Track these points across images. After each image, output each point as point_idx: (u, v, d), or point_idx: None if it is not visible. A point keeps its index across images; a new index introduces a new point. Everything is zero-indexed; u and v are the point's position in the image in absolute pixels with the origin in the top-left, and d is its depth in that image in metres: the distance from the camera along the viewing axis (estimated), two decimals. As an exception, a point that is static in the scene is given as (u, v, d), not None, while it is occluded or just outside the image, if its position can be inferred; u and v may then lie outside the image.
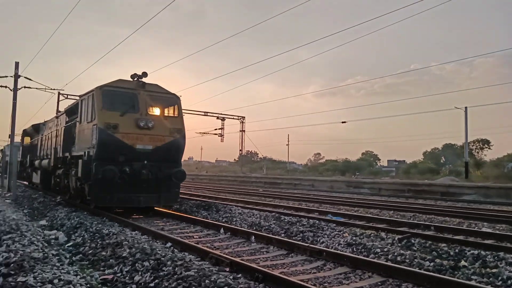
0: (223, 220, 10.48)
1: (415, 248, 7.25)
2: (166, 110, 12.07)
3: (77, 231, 8.66)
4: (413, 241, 7.64)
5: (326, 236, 7.95)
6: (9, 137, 21.46)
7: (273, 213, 11.05)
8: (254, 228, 9.30)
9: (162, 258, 5.57)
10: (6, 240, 7.03)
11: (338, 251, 6.72)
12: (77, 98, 13.73)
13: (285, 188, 32.36)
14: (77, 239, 7.89)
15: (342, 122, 36.22)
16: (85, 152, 11.17)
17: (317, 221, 9.63)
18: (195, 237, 8.43)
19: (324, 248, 6.76)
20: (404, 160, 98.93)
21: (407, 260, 6.14)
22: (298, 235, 8.27)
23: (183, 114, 12.40)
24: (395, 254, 6.44)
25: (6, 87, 20.97)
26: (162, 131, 11.38)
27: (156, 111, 11.72)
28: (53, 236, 8.33)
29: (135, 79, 11.74)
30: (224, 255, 5.93)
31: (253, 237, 7.93)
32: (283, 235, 8.49)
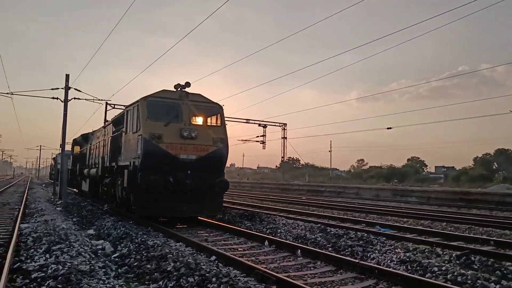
0: (267, 232, 10.25)
1: (476, 267, 6.70)
2: (209, 120, 12.06)
3: (123, 241, 8.72)
4: (473, 258, 7.07)
5: (376, 251, 7.53)
6: (60, 146, 22.32)
7: (319, 224, 10.69)
8: (300, 240, 8.99)
9: (207, 274, 5.41)
10: (56, 250, 7.15)
11: (391, 269, 6.30)
12: (123, 108, 14.05)
13: (329, 196, 31.72)
14: (123, 250, 7.92)
15: (388, 128, 34.66)
16: (130, 162, 11.33)
17: (366, 234, 9.19)
18: (239, 249, 8.26)
19: (376, 265, 6.36)
20: (453, 167, 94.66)
21: (469, 281, 5.64)
22: (347, 250, 7.88)
23: (226, 122, 12.34)
24: (455, 273, 5.94)
25: (57, 98, 21.91)
26: (206, 140, 11.36)
27: (199, 120, 11.74)
28: (100, 247, 8.42)
29: (179, 89, 11.82)
30: (271, 272, 5.69)
31: (299, 251, 7.65)
32: (330, 249, 8.14)
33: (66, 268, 5.74)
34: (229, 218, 12.77)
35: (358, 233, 9.39)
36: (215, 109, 12.15)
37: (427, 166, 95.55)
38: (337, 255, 7.18)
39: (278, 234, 9.86)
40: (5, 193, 27.01)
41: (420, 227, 11.77)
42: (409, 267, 6.47)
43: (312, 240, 8.85)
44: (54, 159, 38.30)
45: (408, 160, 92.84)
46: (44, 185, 41.45)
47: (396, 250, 7.37)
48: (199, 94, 12.13)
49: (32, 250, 7.39)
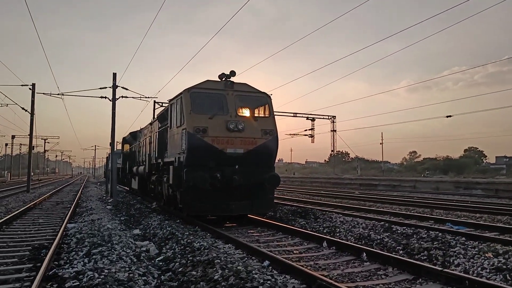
0: (324, 231, 9.26)
1: None
2: (256, 111, 11.23)
3: (168, 242, 8.09)
4: None
5: (461, 255, 6.33)
6: (109, 145, 22.43)
7: (382, 222, 9.55)
8: (363, 241, 7.94)
9: (260, 287, 4.56)
10: (96, 254, 6.61)
11: (485, 279, 5.14)
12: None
13: (383, 190, 30.02)
14: (168, 253, 7.26)
15: (447, 117, 32.13)
16: (175, 158, 10.75)
17: (440, 234, 7.97)
18: (294, 252, 7.36)
19: (465, 275, 5.22)
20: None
21: None
22: (422, 253, 6.75)
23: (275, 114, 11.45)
24: None
25: (105, 97, 22.01)
26: (253, 133, 10.54)
27: (246, 112, 10.93)
28: (144, 248, 7.83)
29: (223, 79, 11.08)
30: (337, 285, 4.72)
31: (364, 254, 6.62)
32: (401, 252, 7.04)
33: (103, 276, 5.11)
34: (281, 216, 11.90)
35: (431, 232, 8.18)
36: (262, 99, 11.29)
37: (486, 156, 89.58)
38: (412, 260, 6.07)
39: (337, 234, 8.84)
40: (61, 192, 27.78)
41: (500, 224, 10.29)
42: (508, 277, 5.26)
43: (378, 241, 7.76)
44: (106, 158, 39.20)
45: (465, 150, 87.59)
46: (98, 183, 42.65)
47: (486, 255, 6.13)
48: (245, 84, 11.32)
49: (73, 253, 6.91)
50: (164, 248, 7.69)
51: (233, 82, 10.92)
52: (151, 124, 17.34)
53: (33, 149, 30.14)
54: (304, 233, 8.65)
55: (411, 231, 8.45)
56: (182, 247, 7.35)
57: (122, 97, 22.41)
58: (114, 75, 21.45)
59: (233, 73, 11.01)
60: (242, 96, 10.96)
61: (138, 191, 19.93)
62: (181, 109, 10.60)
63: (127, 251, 6.94)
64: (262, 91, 11.40)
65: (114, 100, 21.15)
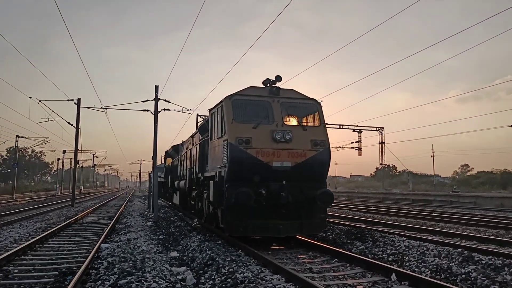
0: (390, 259, 7.84)
1: None
2: (305, 119, 10.07)
3: (208, 270, 7.04)
4: None
5: None
6: (152, 159, 21.96)
7: (459, 249, 7.98)
8: (443, 275, 6.48)
9: None
10: (123, 286, 5.65)
11: None
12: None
13: (440, 207, 27.67)
14: (206, 284, 6.20)
15: (511, 126, 29.08)
16: (216, 173, 9.76)
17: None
18: (358, 287, 6.06)
19: None
20: None
21: None
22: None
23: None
24: None
25: (147, 110, 21.64)
26: (303, 144, 9.38)
27: (294, 120, 9.81)
28: (180, 277, 6.81)
29: (268, 85, 10.04)
30: None
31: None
32: (498, 292, 5.57)
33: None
34: (333, 237, 10.58)
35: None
36: (312, 106, 10.13)
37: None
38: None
39: (407, 264, 7.40)
40: (105, 206, 27.70)
41: None
42: None
43: (463, 276, 6.28)
44: (149, 173, 39.24)
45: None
46: (143, 197, 42.77)
47: None
48: (292, 90, 10.22)
49: (99, 282, 5.99)
50: (202, 277, 6.64)
51: (278, 88, 9.86)
52: (192, 136, 16.59)
53: (78, 163, 30.43)
54: (366, 262, 7.30)
55: (500, 261, 6.91)
56: (223, 277, 6.25)
57: (164, 109, 22.02)
58: (156, 87, 21.02)
59: (278, 78, 9.97)
60: (289, 103, 9.86)
61: (179, 206, 19.19)
62: (222, 118, 9.64)
63: (159, 282, 5.93)
64: (311, 97, 10.25)
65: (156, 113, 20.66)
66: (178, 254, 8.88)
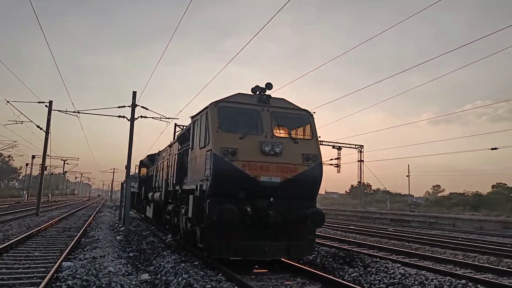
0: (388, 290, 7.04)
1: None
2: (295, 131, 9.29)
3: (184, 298, 6.08)
4: None
5: None
6: (125, 168, 20.73)
7: (463, 280, 7.26)
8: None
9: None
10: (82, 321, 4.66)
11: None
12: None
13: (420, 228, 27.28)
14: (183, 318, 5.24)
15: (492, 149, 28.88)
16: (197, 186, 8.83)
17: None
18: (359, 325, 5.22)
19: None
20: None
21: None
22: None
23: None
24: None
25: (123, 117, 20.53)
26: (293, 158, 8.59)
27: (284, 132, 9.02)
28: (152, 307, 5.84)
29: (257, 92, 9.25)
30: None
31: None
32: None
33: None
34: (321, 261, 9.75)
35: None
36: (304, 117, 9.38)
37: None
38: None
39: (409, 297, 6.64)
40: (73, 216, 26.14)
41: None
42: None
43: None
44: (122, 182, 37.70)
45: (493, 186, 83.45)
46: (114, 207, 41.05)
47: None
48: (283, 99, 9.46)
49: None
50: (178, 309, 5.68)
51: (269, 96, 9.08)
52: (170, 146, 15.59)
53: (47, 169, 28.78)
54: (363, 293, 6.49)
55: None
56: (202, 310, 5.32)
57: (142, 117, 20.96)
58: (134, 93, 20.00)
59: (269, 86, 9.19)
60: (280, 113, 9.08)
61: (153, 220, 18.01)
62: (206, 126, 8.77)
63: (127, 316, 4.95)
64: (304, 108, 9.51)
65: (132, 119, 19.60)
66: (150, 277, 7.85)
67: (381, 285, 7.26)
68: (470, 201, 72.28)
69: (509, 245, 15.99)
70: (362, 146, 45.93)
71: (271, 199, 8.28)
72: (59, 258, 9.11)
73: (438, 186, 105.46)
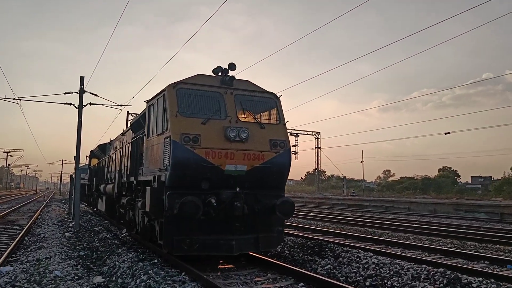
0: (367, 283, 6.59)
1: None
2: (261, 116, 8.64)
3: (143, 305, 5.32)
4: None
5: None
6: (74, 159, 19.27)
7: (441, 269, 6.94)
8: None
9: None
10: None
11: None
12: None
13: (377, 212, 27.71)
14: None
15: (446, 134, 29.69)
16: (154, 177, 7.99)
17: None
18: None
19: None
20: (491, 176, 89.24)
21: None
22: None
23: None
24: None
25: (71, 104, 19.02)
26: (260, 144, 7.94)
27: (249, 116, 8.33)
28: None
29: (219, 73, 8.49)
30: None
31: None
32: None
33: None
34: (290, 253, 9.24)
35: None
36: (270, 100, 8.73)
37: (460, 176, 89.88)
38: None
39: (389, 290, 6.22)
40: (17, 212, 24.25)
41: None
42: None
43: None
44: (71, 175, 35.66)
45: (440, 170, 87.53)
46: (63, 201, 38.83)
47: None
48: (247, 81, 8.76)
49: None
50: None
51: (233, 77, 8.34)
52: (123, 134, 14.47)
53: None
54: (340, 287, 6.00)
55: (495, 286, 5.96)
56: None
57: (91, 104, 19.54)
58: (82, 78, 18.53)
59: (232, 67, 8.44)
60: (244, 96, 8.38)
61: (105, 213, 16.84)
62: (164, 110, 7.92)
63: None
64: (269, 91, 8.86)
65: (81, 106, 18.16)
66: (104, 279, 6.99)
67: (358, 278, 6.81)
68: (419, 184, 75.46)
69: (464, 227, 16.36)
70: (319, 132, 46.20)
71: (238, 189, 7.61)
72: (-3, 262, 8.02)
73: (389, 171, 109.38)
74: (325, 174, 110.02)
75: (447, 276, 6.47)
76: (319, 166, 49.70)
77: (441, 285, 6.22)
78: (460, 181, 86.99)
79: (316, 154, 47.16)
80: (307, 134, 44.69)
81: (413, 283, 6.26)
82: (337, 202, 36.59)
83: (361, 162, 74.67)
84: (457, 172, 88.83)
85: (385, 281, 6.45)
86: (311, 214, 24.36)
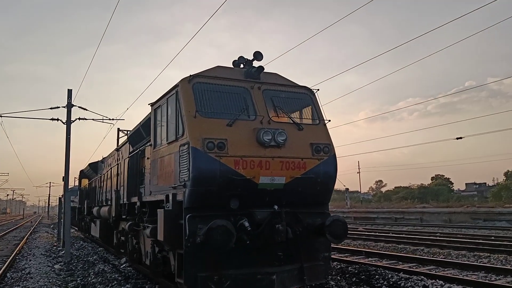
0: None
1: None
2: (298, 114, 7.04)
3: None
4: None
5: None
6: (63, 180, 17.40)
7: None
8: None
9: None
10: None
11: None
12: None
13: (388, 225, 26.10)
14: None
15: (457, 138, 28.36)
16: (167, 196, 6.27)
17: None
18: None
19: None
20: (485, 183, 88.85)
21: None
22: None
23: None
24: None
25: (58, 119, 17.27)
26: (300, 150, 6.32)
27: (283, 116, 6.71)
28: None
29: (241, 66, 6.92)
30: None
31: None
32: None
33: None
34: (336, 283, 7.54)
35: None
36: (305, 96, 7.14)
37: (453, 183, 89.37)
38: None
39: None
40: (1, 241, 22.09)
41: None
42: None
43: None
44: (59, 197, 33.52)
45: (432, 178, 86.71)
46: (52, 226, 36.54)
47: None
48: (276, 73, 7.18)
49: None
50: None
51: (261, 67, 6.74)
52: (118, 149, 12.76)
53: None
54: None
55: None
56: None
57: (80, 119, 17.86)
58: (70, 91, 16.87)
59: (258, 56, 6.88)
60: (275, 92, 6.78)
61: (100, 240, 14.92)
62: (177, 111, 6.26)
63: None
64: (303, 85, 7.27)
65: (69, 122, 16.47)
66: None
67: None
68: (416, 193, 74.26)
69: (493, 237, 14.89)
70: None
71: (275, 207, 5.95)
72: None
73: (381, 181, 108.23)
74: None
75: None
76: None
77: None
78: (453, 189, 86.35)
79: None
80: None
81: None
82: (342, 215, 34.90)
83: (357, 173, 73.52)
84: (450, 180, 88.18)
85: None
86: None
